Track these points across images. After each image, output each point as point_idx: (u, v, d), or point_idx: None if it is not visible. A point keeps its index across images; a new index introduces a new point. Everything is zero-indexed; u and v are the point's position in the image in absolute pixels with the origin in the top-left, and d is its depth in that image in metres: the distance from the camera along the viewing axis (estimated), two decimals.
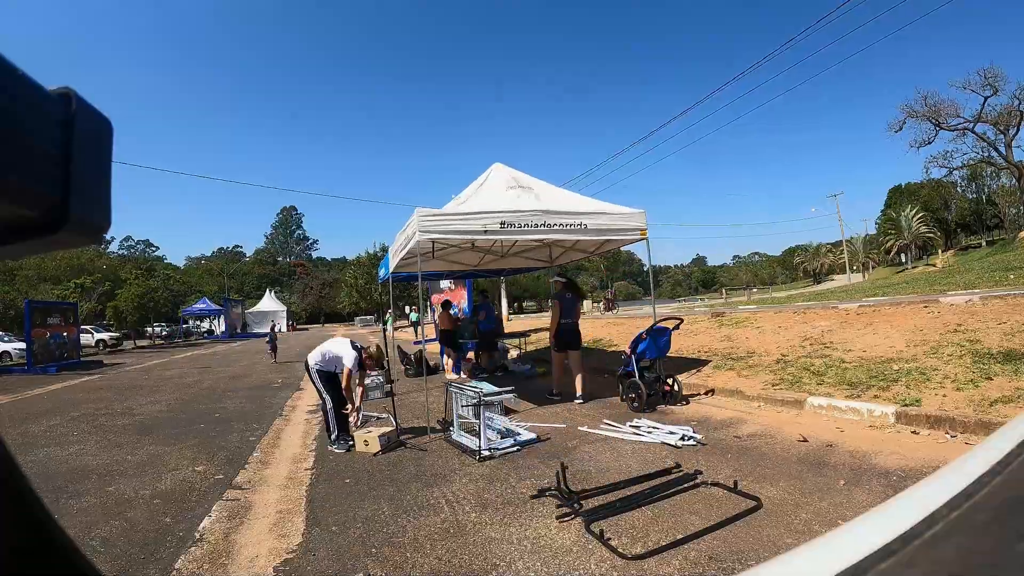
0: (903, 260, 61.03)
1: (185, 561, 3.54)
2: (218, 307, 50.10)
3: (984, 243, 55.55)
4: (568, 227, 7.25)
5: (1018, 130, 38.83)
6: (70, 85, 0.30)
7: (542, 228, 7.07)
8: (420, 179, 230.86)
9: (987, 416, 4.94)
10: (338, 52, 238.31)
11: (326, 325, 71.16)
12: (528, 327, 19.19)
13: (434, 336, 17.22)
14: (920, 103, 40.21)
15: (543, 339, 15.97)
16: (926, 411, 5.35)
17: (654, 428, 5.93)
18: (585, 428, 6.23)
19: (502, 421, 6.27)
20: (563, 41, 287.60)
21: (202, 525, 4.13)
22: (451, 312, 12.66)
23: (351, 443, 5.99)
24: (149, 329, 44.19)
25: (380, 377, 7.19)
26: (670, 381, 7.33)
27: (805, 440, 5.24)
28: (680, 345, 10.85)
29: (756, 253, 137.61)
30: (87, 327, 32.49)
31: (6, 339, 26.59)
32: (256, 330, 52.21)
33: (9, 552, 0.26)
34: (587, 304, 53.70)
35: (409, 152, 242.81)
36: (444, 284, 18.61)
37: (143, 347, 36.83)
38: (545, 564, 3.13)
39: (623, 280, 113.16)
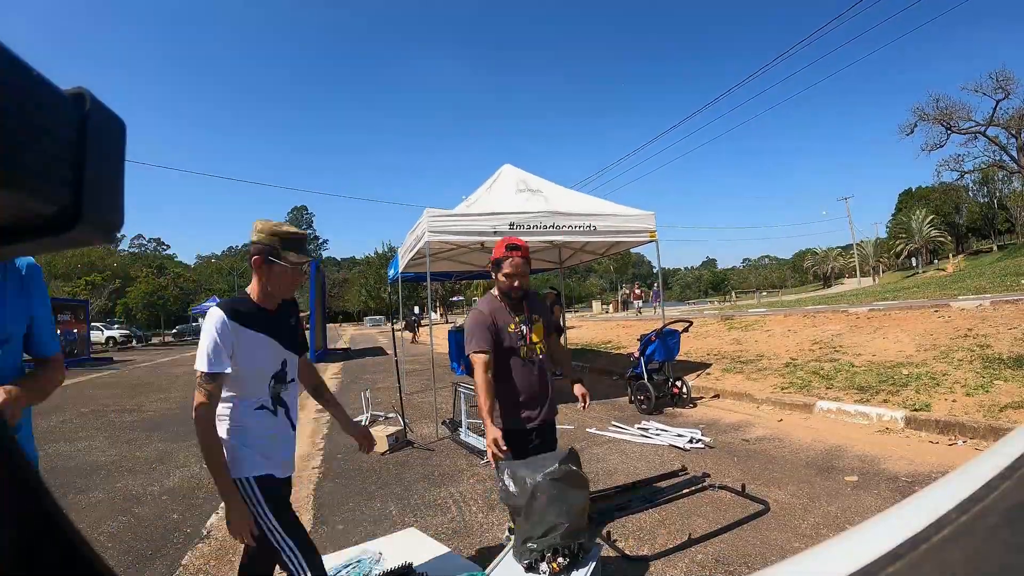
0: (914, 264, 60.55)
1: (192, 557, 3.56)
2: None
3: (995, 248, 55.04)
4: (577, 228, 7.25)
5: None
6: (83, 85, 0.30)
7: (551, 229, 7.06)
8: (430, 180, 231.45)
9: (997, 422, 4.90)
10: (348, 54, 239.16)
11: (342, 324, 69.90)
12: None
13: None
14: (931, 106, 39.84)
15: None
16: (936, 416, 5.31)
17: (662, 430, 5.91)
18: (593, 430, 6.22)
19: None
20: (571, 40, 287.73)
21: (210, 522, 4.16)
22: None
23: None
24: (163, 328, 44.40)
25: None
26: (679, 383, 7.30)
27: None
28: (689, 348, 10.82)
29: (766, 256, 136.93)
30: (97, 324, 32.71)
31: None
32: None
33: (18, 542, 0.27)
34: (596, 305, 53.59)
35: (420, 153, 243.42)
36: None
37: (154, 345, 37.02)
38: None
39: (632, 282, 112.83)
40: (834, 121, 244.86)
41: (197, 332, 43.90)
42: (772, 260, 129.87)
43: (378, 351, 20.68)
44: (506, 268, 2.75)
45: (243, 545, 2.19)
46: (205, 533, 3.94)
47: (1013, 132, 38.76)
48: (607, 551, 3.21)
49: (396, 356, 7.26)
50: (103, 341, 32.39)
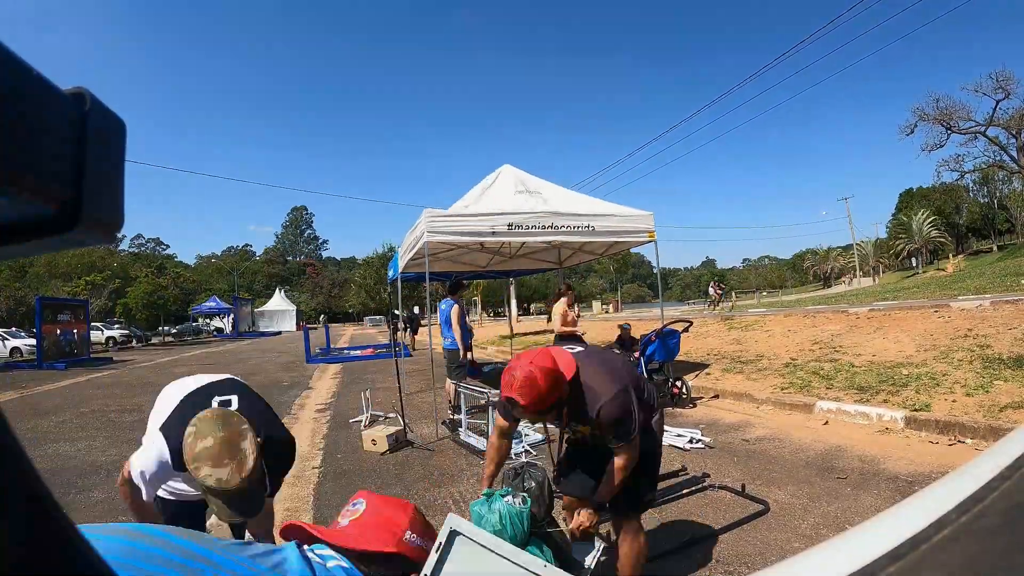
0: (914, 264, 60.59)
1: None
2: (228, 306, 50.27)
3: (995, 248, 55.12)
4: (576, 229, 7.24)
5: None
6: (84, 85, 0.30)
7: (549, 230, 7.05)
8: (429, 180, 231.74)
9: (997, 422, 4.90)
10: (349, 53, 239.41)
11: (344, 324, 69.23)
12: (532, 328, 19.01)
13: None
14: (932, 106, 39.85)
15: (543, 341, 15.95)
16: (936, 416, 5.31)
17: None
18: None
19: None
20: (573, 40, 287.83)
21: (210, 522, 4.15)
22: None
23: None
24: (164, 328, 44.44)
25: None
26: (679, 383, 7.29)
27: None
28: (689, 347, 10.82)
29: (766, 256, 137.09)
30: (97, 324, 32.70)
31: (17, 335, 26.81)
32: (264, 329, 52.52)
33: (18, 542, 0.27)
34: (596, 305, 53.55)
35: (419, 153, 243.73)
36: None
37: (154, 345, 37.01)
38: None
39: (632, 283, 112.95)
40: (835, 121, 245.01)
41: (197, 332, 43.97)
42: (772, 260, 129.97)
43: None
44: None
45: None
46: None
47: (1013, 132, 38.80)
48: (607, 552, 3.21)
49: (396, 356, 7.27)
50: (103, 341, 32.31)
